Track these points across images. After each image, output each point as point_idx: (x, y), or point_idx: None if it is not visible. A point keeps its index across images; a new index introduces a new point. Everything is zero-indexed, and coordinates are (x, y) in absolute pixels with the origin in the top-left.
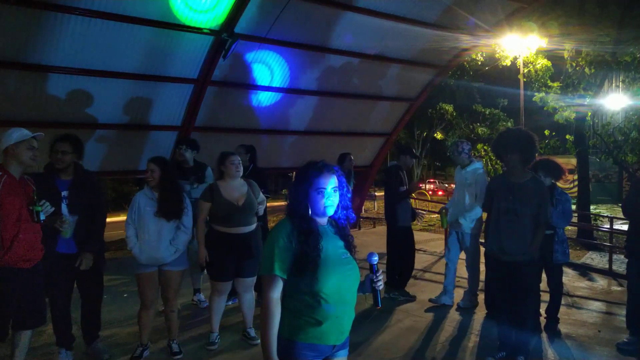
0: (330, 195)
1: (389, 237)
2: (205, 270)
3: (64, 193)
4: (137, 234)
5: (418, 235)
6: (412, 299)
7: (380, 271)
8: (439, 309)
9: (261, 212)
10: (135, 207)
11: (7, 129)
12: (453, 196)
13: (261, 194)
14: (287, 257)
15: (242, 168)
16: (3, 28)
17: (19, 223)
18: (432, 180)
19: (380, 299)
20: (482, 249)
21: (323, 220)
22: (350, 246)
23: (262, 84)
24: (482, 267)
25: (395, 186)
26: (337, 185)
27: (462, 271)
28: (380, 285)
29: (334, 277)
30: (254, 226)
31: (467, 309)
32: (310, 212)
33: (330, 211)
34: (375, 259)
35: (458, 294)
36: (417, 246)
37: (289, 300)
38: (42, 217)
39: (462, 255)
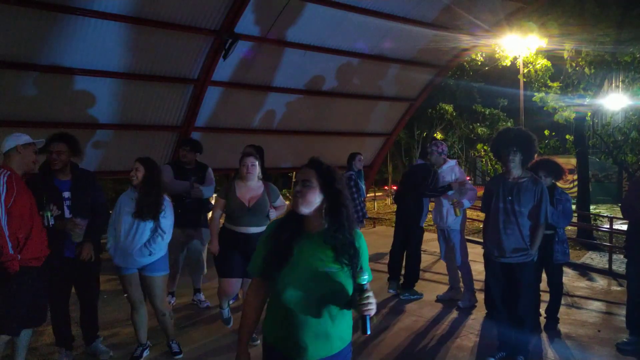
0: (297, 188)
1: (404, 237)
2: (206, 270)
3: (66, 194)
4: (115, 234)
5: (428, 236)
6: (421, 295)
7: (371, 293)
8: (438, 308)
9: (273, 217)
10: (117, 208)
11: (6, 129)
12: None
13: (280, 199)
14: (264, 255)
15: (255, 170)
16: (3, 29)
17: (32, 221)
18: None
19: (369, 326)
20: (481, 250)
21: (312, 225)
22: (343, 258)
23: (262, 84)
24: (481, 267)
25: (434, 185)
26: (308, 179)
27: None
28: (370, 310)
29: (298, 285)
30: (262, 228)
31: (466, 308)
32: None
33: (297, 204)
34: (366, 277)
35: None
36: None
37: (269, 301)
38: (52, 221)
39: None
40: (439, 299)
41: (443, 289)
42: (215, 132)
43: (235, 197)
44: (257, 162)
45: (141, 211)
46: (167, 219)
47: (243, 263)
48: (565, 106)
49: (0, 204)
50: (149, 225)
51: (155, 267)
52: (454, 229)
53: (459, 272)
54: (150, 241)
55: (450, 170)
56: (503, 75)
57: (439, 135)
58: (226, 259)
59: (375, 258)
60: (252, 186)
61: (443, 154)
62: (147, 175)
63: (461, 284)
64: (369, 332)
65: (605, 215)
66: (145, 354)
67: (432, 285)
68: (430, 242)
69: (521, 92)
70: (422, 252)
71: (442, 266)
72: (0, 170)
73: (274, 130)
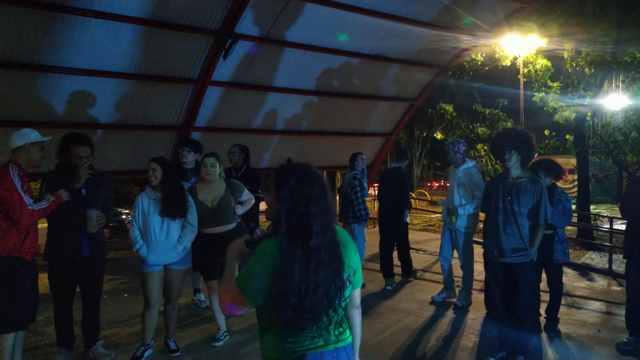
0: None
1: (390, 235)
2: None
3: (83, 191)
4: (142, 235)
5: (418, 235)
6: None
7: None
8: (438, 308)
9: (240, 212)
10: (139, 209)
11: (6, 129)
12: (448, 194)
13: (246, 193)
14: None
15: (215, 171)
16: (3, 28)
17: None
18: None
19: None
20: (481, 250)
21: None
22: None
23: (262, 84)
24: (481, 267)
25: (408, 186)
26: None
27: (457, 270)
28: None
29: None
30: (231, 225)
31: (464, 307)
32: None
33: None
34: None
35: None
36: (417, 246)
37: None
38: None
39: (455, 254)
40: (433, 300)
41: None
42: (216, 132)
43: (197, 200)
44: (217, 163)
45: (170, 211)
46: (193, 214)
47: (219, 263)
48: (565, 106)
49: (19, 191)
50: (178, 221)
51: (182, 261)
52: (460, 231)
53: (462, 272)
54: (182, 236)
55: (465, 173)
56: (503, 75)
57: (439, 135)
58: (203, 262)
59: (376, 258)
60: (214, 187)
61: (459, 152)
62: (165, 175)
63: (457, 284)
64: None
65: (605, 215)
66: (147, 354)
67: (433, 285)
68: (430, 242)
69: (521, 92)
70: (422, 252)
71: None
72: (11, 165)
73: (274, 131)
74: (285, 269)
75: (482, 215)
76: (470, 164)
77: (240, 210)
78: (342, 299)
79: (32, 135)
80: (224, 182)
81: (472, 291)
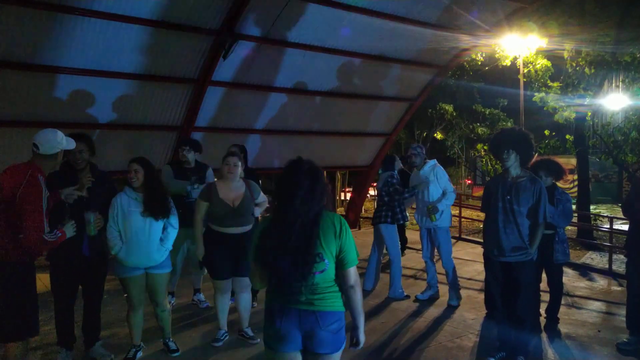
0: None
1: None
2: (206, 270)
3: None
4: (120, 236)
5: (416, 235)
6: None
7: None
8: (437, 308)
9: (257, 214)
10: (117, 209)
11: (7, 129)
12: (417, 197)
13: (262, 195)
14: None
15: (237, 170)
16: (4, 29)
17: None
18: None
19: None
20: (480, 250)
21: None
22: None
23: (263, 84)
24: (481, 267)
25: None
26: None
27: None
28: None
29: None
30: (249, 227)
31: (459, 305)
32: None
33: None
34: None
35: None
36: (415, 246)
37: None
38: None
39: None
40: (417, 299)
41: (440, 288)
42: (217, 133)
43: (218, 198)
44: (239, 163)
45: (156, 211)
46: (175, 215)
47: (232, 263)
48: (565, 106)
49: (43, 217)
50: (161, 222)
51: (163, 265)
52: (441, 227)
53: (445, 270)
54: (164, 238)
55: (431, 169)
56: (503, 76)
57: (439, 135)
58: (215, 261)
59: None
60: (235, 186)
61: (420, 156)
62: (147, 175)
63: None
64: None
65: (605, 215)
66: (139, 355)
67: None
68: None
69: (521, 92)
70: (415, 251)
71: (439, 266)
72: (40, 179)
73: (275, 131)
74: (265, 234)
75: (481, 215)
76: (432, 161)
77: (257, 211)
78: (312, 269)
79: (65, 141)
80: (243, 182)
81: (472, 291)
